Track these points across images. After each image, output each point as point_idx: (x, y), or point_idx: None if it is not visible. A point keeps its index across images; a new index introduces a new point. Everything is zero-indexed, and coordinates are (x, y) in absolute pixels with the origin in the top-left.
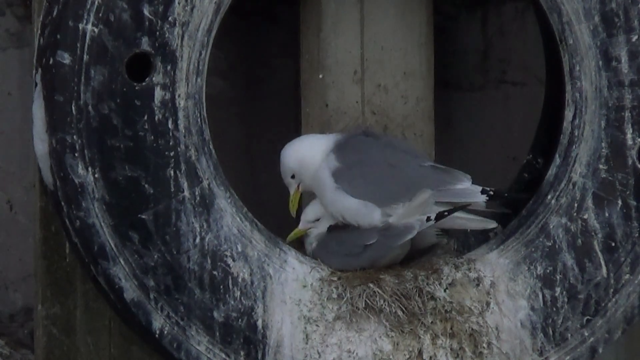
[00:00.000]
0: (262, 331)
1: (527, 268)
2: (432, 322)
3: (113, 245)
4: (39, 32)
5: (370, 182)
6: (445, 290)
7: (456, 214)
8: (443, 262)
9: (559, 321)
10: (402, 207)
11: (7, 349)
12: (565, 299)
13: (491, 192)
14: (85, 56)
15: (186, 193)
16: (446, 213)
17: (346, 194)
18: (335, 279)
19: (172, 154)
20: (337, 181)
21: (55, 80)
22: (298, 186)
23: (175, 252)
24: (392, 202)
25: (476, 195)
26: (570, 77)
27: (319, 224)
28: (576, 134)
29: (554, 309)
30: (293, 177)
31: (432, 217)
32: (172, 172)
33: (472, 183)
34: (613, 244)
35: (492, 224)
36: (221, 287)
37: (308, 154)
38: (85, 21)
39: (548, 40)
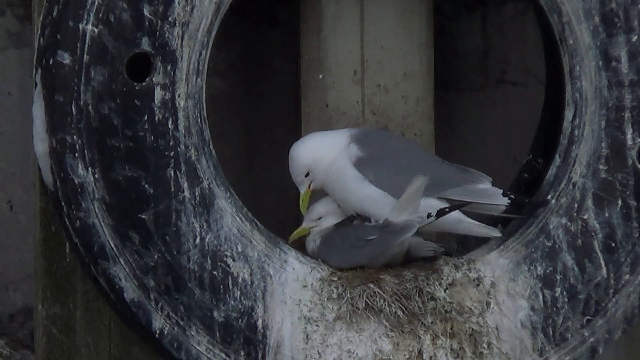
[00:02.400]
0: (262, 331)
1: (527, 268)
2: (432, 322)
3: (113, 246)
4: (39, 32)
5: (395, 172)
6: (445, 291)
7: (462, 217)
8: (443, 262)
9: (559, 321)
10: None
11: (7, 349)
12: (566, 299)
13: (512, 196)
14: (85, 56)
15: (186, 193)
16: (447, 210)
17: (369, 183)
18: (335, 279)
19: (172, 154)
20: (361, 170)
21: (55, 81)
22: (309, 185)
23: (175, 252)
24: None
25: (498, 198)
26: (570, 77)
27: (322, 221)
28: (576, 134)
29: (554, 309)
30: (307, 175)
31: (433, 213)
32: (172, 172)
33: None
34: (613, 244)
35: (496, 233)
36: (221, 287)
37: (322, 148)
38: (85, 21)
39: (548, 40)
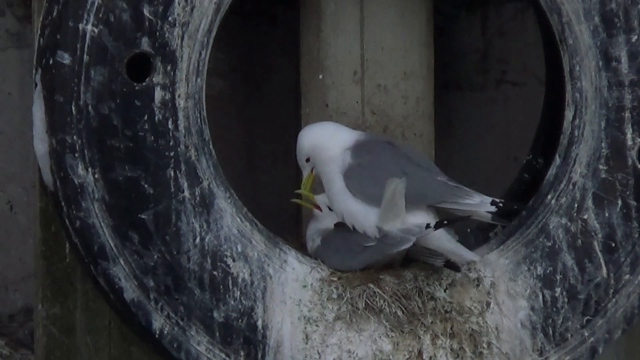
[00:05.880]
0: (262, 331)
1: (527, 268)
2: (432, 322)
3: (113, 246)
4: (39, 32)
5: (378, 186)
6: (445, 291)
7: (445, 240)
8: None
9: (559, 321)
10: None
11: (7, 349)
12: (565, 299)
13: (500, 204)
14: (85, 56)
15: (186, 193)
16: (446, 222)
17: (350, 195)
18: (335, 279)
19: (172, 154)
20: (345, 180)
21: (55, 81)
22: (312, 170)
23: (175, 253)
24: None
25: (485, 206)
26: (570, 77)
27: (327, 214)
28: (576, 134)
29: (554, 309)
30: (307, 160)
31: (432, 224)
32: (172, 173)
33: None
34: (613, 244)
35: (475, 258)
36: (221, 287)
37: (325, 142)
38: (85, 21)
39: (548, 40)
